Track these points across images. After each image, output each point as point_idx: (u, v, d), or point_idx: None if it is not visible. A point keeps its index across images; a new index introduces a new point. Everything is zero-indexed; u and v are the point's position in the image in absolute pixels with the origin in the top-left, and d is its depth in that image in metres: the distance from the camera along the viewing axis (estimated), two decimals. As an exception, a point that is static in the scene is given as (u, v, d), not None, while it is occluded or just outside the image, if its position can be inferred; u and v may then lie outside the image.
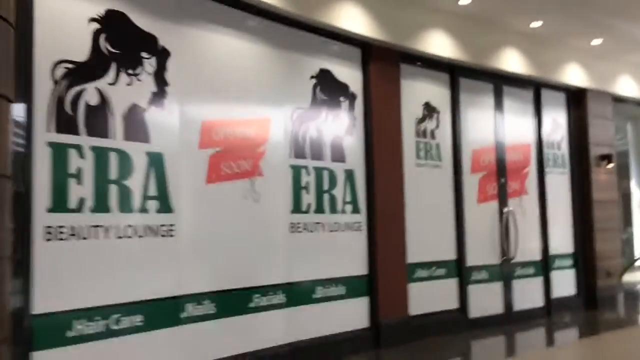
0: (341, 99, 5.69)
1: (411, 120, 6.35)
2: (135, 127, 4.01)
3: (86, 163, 3.72)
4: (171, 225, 4.17)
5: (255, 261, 4.78)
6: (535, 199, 7.68)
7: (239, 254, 4.66)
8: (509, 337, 6.67)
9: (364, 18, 5.72)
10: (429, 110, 6.59)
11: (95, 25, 3.87)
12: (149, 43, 4.18)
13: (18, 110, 3.40)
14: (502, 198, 7.20)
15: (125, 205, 3.90)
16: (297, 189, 5.16)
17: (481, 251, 6.89)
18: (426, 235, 6.33)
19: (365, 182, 5.78)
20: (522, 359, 5.77)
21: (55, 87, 3.62)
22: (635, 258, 10.07)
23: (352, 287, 5.55)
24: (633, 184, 11.07)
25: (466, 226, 6.73)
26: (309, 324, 5.12)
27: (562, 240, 7.97)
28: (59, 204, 3.57)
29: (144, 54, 4.13)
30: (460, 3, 6.24)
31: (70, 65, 3.70)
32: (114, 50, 3.94)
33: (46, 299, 3.45)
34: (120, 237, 3.85)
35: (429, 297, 6.27)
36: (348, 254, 5.60)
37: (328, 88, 5.56)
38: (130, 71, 4.02)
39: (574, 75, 8.07)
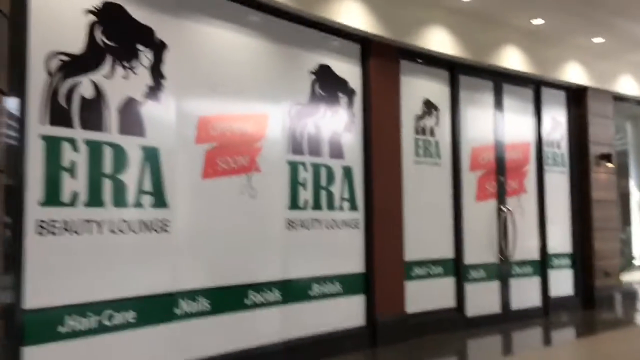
0: (340, 95, 5.64)
1: (410, 117, 6.31)
2: (131, 121, 3.96)
3: (80, 157, 3.67)
4: (166, 220, 4.12)
5: (251, 257, 4.74)
6: (534, 197, 7.65)
7: (235, 250, 4.62)
8: (505, 336, 6.64)
9: (364, 13, 5.67)
10: (429, 107, 6.55)
11: (92, 17, 3.82)
12: (146, 36, 4.13)
13: (11, 103, 3.36)
14: (501, 196, 7.17)
15: (119, 199, 3.86)
16: (294, 185, 5.11)
17: (479, 250, 6.86)
18: (424, 233, 6.30)
19: (364, 179, 5.74)
20: (519, 358, 5.74)
21: (49, 79, 3.57)
22: (633, 258, 10.06)
23: (349, 284, 5.52)
24: (632, 184, 11.05)
25: (464, 224, 6.70)
26: (305, 322, 5.09)
27: (560, 239, 7.95)
28: (52, 197, 3.52)
29: (140, 47, 4.08)
30: (461, -1, 6.20)
31: (65, 57, 3.65)
32: (110, 43, 3.89)
33: (38, 294, 3.41)
34: (114, 232, 3.81)
35: (426, 295, 6.24)
36: (345, 251, 5.56)
37: (327, 84, 5.51)
38: (126, 64, 3.97)
39: (575, 73, 8.03)
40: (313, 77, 5.40)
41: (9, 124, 3.32)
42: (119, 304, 3.80)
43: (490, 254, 7.00)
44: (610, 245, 8.43)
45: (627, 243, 10.32)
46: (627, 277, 9.31)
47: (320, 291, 5.25)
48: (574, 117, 8.27)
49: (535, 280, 7.52)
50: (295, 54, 5.28)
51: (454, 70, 6.80)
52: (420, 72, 6.49)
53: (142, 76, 4.06)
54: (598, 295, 8.10)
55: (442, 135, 6.64)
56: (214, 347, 4.38)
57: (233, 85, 4.71)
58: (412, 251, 6.10)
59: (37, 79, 3.51)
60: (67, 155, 3.61)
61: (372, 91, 5.82)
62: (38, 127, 3.50)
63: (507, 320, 6.97)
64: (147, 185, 4.03)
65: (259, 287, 4.74)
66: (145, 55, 4.09)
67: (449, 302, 6.54)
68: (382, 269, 5.73)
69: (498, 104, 7.32)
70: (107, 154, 3.81)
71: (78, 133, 3.67)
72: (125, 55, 3.97)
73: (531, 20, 6.90)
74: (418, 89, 6.45)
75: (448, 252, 6.58)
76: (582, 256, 8.14)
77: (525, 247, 7.36)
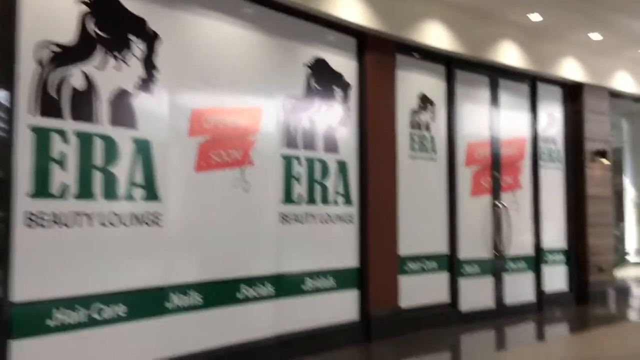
0: (335, 88, 5.60)
1: (406, 111, 6.28)
2: (122, 113, 3.91)
3: (70, 148, 3.62)
4: (158, 213, 4.08)
5: (243, 251, 4.70)
6: (529, 193, 7.63)
7: (228, 244, 4.58)
8: (499, 332, 6.65)
9: (360, 7, 5.62)
10: (425, 102, 6.51)
11: (83, 7, 3.76)
12: (138, 26, 4.07)
13: (0, 93, 3.31)
14: (496, 192, 7.15)
15: (110, 192, 3.81)
16: (288, 179, 5.08)
17: (473, 245, 6.85)
18: (418, 228, 6.28)
19: (358, 173, 5.71)
20: (512, 353, 5.74)
21: (40, 69, 3.51)
22: (627, 254, 10.08)
23: (343, 279, 5.49)
24: (626, 180, 11.07)
25: (459, 220, 6.68)
26: (298, 316, 5.06)
27: (554, 235, 7.95)
28: (41, 189, 3.48)
29: (132, 38, 4.03)
30: (458, -7, 6.16)
31: (56, 48, 3.60)
32: (101, 33, 3.84)
33: (27, 287, 3.37)
34: (104, 225, 3.76)
35: (420, 290, 6.23)
36: (339, 246, 5.53)
37: (322, 77, 5.47)
38: (118, 55, 3.92)
39: (571, 69, 8.01)
40: (308, 70, 5.36)
41: (-2, 114, 3.27)
42: (109, 298, 3.76)
43: (485, 250, 6.99)
44: (605, 241, 8.44)
45: (620, 240, 10.35)
46: (621, 273, 9.33)
47: (313, 286, 5.22)
48: (570, 113, 8.26)
49: (530, 276, 7.52)
50: (291, 47, 5.23)
51: (451, 65, 6.76)
52: (417, 67, 6.45)
53: (134, 67, 4.01)
54: (592, 290, 8.11)
55: (438, 130, 6.61)
56: (206, 341, 4.35)
57: (227, 77, 4.66)
58: (407, 246, 6.08)
59: (27, 70, 3.46)
60: (57, 146, 3.56)
61: (367, 85, 5.78)
62: (27, 118, 3.45)
63: (501, 315, 6.96)
64: (139, 178, 3.98)
65: (251, 281, 4.71)
66: (138, 47, 4.04)
67: (443, 297, 6.53)
68: (376, 263, 5.71)
69: (494, 100, 7.29)
70: (98, 146, 3.76)
71: (68, 124, 3.62)
72: (117, 46, 3.92)
73: (528, 16, 6.86)
74: (414, 83, 6.41)
75: (442, 247, 6.56)
76: (577, 252, 8.14)
77: (520, 242, 7.35)
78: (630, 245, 11.02)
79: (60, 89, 3.60)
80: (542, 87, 7.89)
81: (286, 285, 4.99)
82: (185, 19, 4.41)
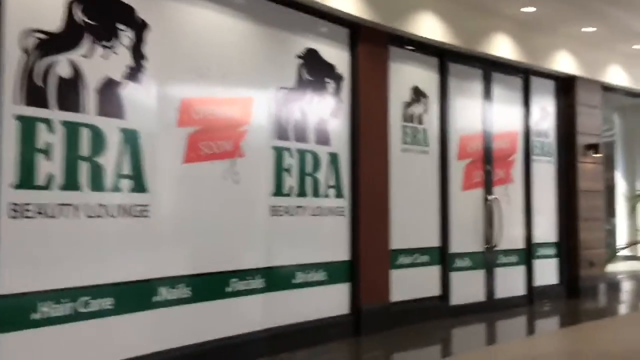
0: (327, 80, 5.55)
1: (398, 104, 6.24)
2: (110, 102, 3.83)
3: (56, 138, 3.54)
4: (146, 205, 4.02)
5: (233, 244, 4.65)
6: (521, 187, 7.63)
7: (217, 237, 4.53)
8: (490, 325, 6.65)
9: (353, -3, 5.56)
10: (417, 94, 6.47)
11: (70, -6, 3.68)
12: (127, 15, 3.99)
13: (-16, 81, 3.23)
14: (488, 185, 7.14)
15: (97, 183, 3.74)
16: (279, 171, 5.03)
17: (465, 238, 6.84)
18: (410, 222, 6.26)
19: (350, 166, 5.67)
20: (503, 346, 5.74)
21: (25, 57, 3.43)
22: (618, 248, 10.12)
23: (333, 272, 5.46)
24: (618, 175, 11.09)
25: (451, 213, 6.66)
26: (289, 310, 5.03)
27: (546, 228, 7.96)
28: (26, 180, 3.40)
29: (120, 26, 3.94)
30: (451, -15, 6.11)
31: (42, 35, 3.51)
32: (89, 21, 3.75)
33: (11, 279, 3.30)
34: (91, 217, 3.69)
35: (411, 283, 6.22)
36: (330, 239, 5.50)
37: (314, 68, 5.41)
38: (105, 43, 3.84)
39: (564, 62, 7.99)
40: (300, 61, 5.30)
41: (-19, 103, 3.19)
42: (96, 291, 3.70)
43: (476, 243, 6.99)
44: (596, 235, 8.46)
45: (611, 234, 10.37)
46: (611, 268, 9.37)
47: (304, 279, 5.19)
48: (563, 107, 8.25)
49: (521, 269, 7.53)
50: (282, 37, 5.16)
51: (444, 58, 6.72)
52: (410, 59, 6.41)
53: (122, 56, 3.93)
54: (583, 285, 8.14)
55: (430, 123, 6.57)
56: (195, 335, 4.30)
57: (217, 67, 4.59)
58: (398, 239, 6.05)
59: (12, 58, 3.37)
60: (43, 136, 3.48)
61: (360, 77, 5.73)
62: (12, 107, 3.36)
63: (492, 309, 6.96)
64: (126, 169, 3.92)
65: (241, 274, 4.66)
66: (126, 35, 3.96)
67: (434, 290, 6.52)
68: (367, 257, 5.68)
69: (487, 93, 7.26)
70: (85, 136, 3.69)
71: (54, 114, 3.54)
72: (105, 35, 3.84)
73: (522, 9, 6.82)
74: (407, 75, 6.36)
75: (434, 241, 6.54)
76: (568, 246, 8.16)
77: (511, 236, 7.35)
78: (621, 240, 11.04)
79: (46, 78, 3.52)
80: (535, 81, 7.87)
81: (276, 278, 4.94)
82: (175, 8, 4.33)
